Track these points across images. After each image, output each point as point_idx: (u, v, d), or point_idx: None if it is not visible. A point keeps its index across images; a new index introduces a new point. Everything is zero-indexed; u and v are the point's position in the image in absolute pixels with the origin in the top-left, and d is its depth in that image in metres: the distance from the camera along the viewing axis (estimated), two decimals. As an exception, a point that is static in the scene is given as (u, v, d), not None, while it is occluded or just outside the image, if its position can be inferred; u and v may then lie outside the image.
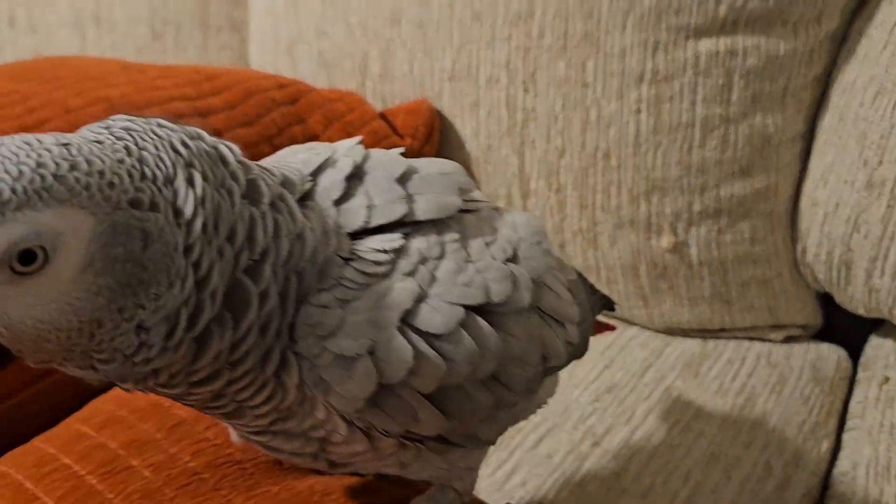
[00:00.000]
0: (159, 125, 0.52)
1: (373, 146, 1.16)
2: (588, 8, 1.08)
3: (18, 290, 0.46)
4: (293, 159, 0.62)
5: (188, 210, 0.50)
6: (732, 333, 1.21)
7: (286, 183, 0.58)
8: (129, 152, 0.49)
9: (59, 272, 0.46)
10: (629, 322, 1.24)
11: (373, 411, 0.56)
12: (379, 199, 0.60)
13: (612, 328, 0.91)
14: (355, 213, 0.59)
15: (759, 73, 1.07)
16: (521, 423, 1.02)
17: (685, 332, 1.22)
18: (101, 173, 0.47)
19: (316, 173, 0.60)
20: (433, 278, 0.59)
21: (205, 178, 0.51)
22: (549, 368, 0.68)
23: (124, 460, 0.70)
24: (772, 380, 1.13)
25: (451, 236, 0.62)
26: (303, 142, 1.13)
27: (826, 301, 1.23)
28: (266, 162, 0.63)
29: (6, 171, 0.44)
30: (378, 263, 0.58)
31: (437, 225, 0.61)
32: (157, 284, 0.49)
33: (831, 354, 1.20)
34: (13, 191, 0.43)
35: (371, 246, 0.58)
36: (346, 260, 0.57)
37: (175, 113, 1.06)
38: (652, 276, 1.17)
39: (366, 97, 1.26)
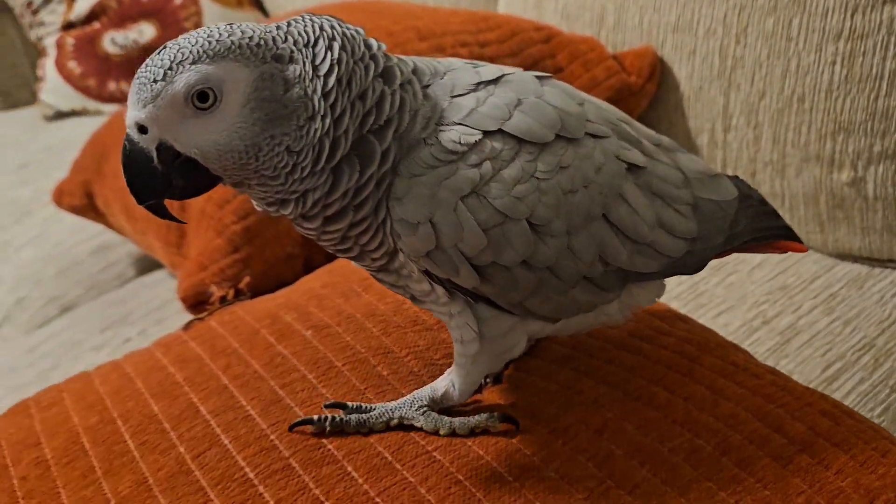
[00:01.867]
0: (327, 19, 0.70)
1: (605, 80, 1.47)
2: (800, -25, 1.31)
3: (202, 122, 0.65)
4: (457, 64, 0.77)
5: (325, 65, 0.66)
6: (899, 264, 1.40)
7: (416, 71, 0.73)
8: (279, 27, 0.68)
9: (227, 109, 0.65)
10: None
11: (427, 260, 0.70)
12: (487, 108, 0.71)
13: (783, 250, 0.92)
14: (458, 111, 0.71)
15: (948, 36, 1.25)
16: (704, 301, 1.30)
17: (855, 259, 1.42)
18: (251, 38, 0.65)
19: (449, 72, 0.74)
20: (495, 176, 0.69)
21: (343, 50, 0.67)
22: (629, 273, 0.76)
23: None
24: (931, 300, 1.31)
25: (528, 149, 0.71)
26: (553, 72, 1.45)
27: None
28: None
29: (187, 41, 0.65)
30: (451, 152, 0.69)
31: (521, 141, 0.71)
32: (297, 118, 0.66)
33: None
34: (189, 51, 0.64)
35: (449, 137, 0.70)
36: (429, 144, 0.69)
37: (462, 42, 1.42)
38: (830, 206, 1.39)
39: (600, 44, 1.56)
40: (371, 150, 0.68)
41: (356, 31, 0.71)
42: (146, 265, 1.74)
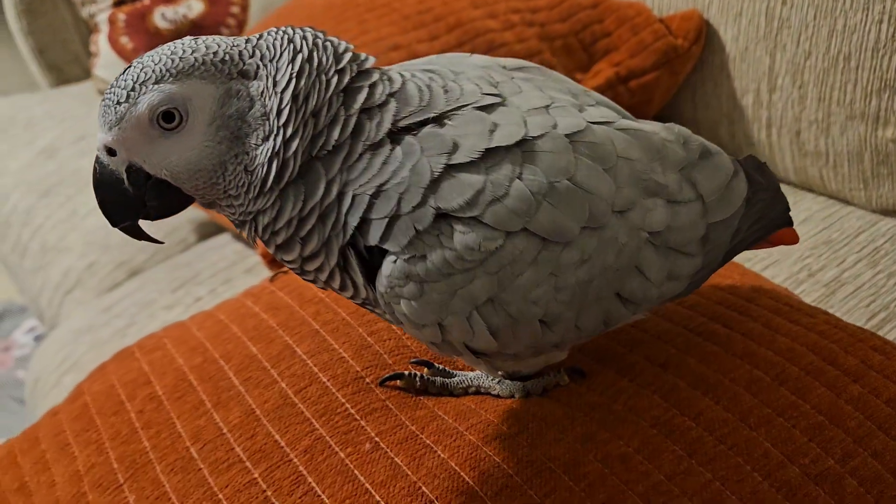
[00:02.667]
0: (301, 31, 0.66)
1: (653, 43, 1.51)
2: (846, -65, 1.34)
3: (170, 143, 0.63)
4: (480, 77, 0.69)
5: (283, 81, 0.63)
6: (943, 220, 1.44)
7: (399, 96, 0.65)
8: (248, 41, 0.64)
9: (194, 128, 0.62)
10: (848, 202, 1.50)
11: (430, 344, 0.70)
12: (513, 201, 0.63)
13: (775, 244, 0.87)
14: (461, 194, 0.63)
15: None
16: (749, 256, 1.35)
17: (898, 215, 1.46)
18: (216, 53, 0.62)
19: (454, 115, 0.65)
20: (513, 282, 0.64)
21: (308, 62, 0.63)
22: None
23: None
24: (975, 253, 1.35)
25: (551, 248, 0.65)
26: (601, 36, 1.50)
27: None
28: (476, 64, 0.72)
29: (150, 59, 0.62)
30: (468, 260, 0.63)
31: (545, 240, 0.65)
32: (255, 137, 0.63)
33: None
34: (152, 70, 0.61)
35: (467, 243, 0.63)
36: (434, 231, 0.63)
37: (513, 9, 1.47)
38: (874, 163, 1.43)
39: (645, 8, 1.60)
40: (316, 179, 0.64)
41: (332, 44, 0.66)
42: (207, 230, 1.82)
